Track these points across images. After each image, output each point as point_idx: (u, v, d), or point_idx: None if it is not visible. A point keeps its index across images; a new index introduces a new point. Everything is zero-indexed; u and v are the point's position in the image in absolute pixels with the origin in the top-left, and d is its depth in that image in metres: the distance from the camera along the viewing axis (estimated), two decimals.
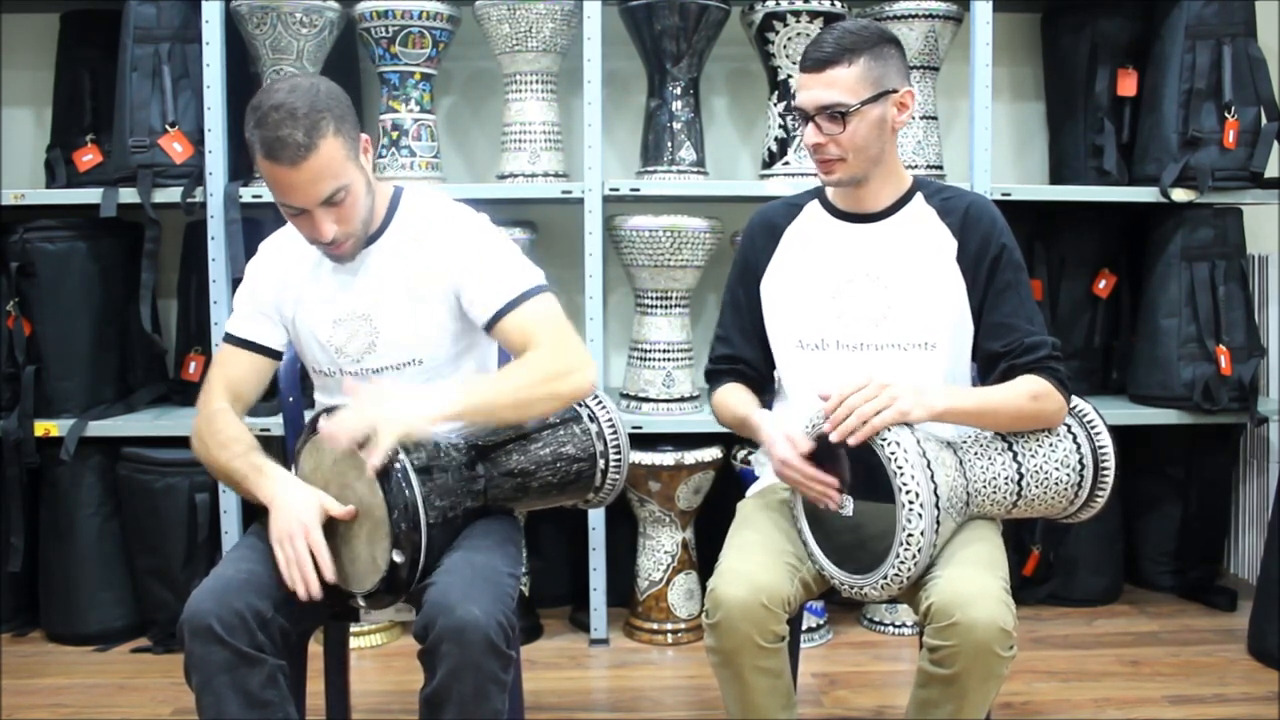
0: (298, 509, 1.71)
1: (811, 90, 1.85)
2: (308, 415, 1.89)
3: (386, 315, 1.89)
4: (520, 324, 1.84)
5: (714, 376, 2.09)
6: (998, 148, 3.24)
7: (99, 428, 2.91)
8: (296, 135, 1.69)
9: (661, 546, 2.97)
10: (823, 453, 1.78)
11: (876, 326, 1.91)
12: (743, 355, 2.05)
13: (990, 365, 1.89)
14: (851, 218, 1.97)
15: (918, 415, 1.73)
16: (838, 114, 1.84)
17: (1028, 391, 1.82)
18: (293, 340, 1.98)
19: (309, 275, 1.93)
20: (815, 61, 1.85)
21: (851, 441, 1.70)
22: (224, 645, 1.66)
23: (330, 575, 1.69)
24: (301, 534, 1.68)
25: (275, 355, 1.98)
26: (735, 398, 2.02)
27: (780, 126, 2.91)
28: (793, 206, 2.04)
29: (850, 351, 1.92)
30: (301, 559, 1.67)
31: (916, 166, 3.05)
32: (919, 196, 1.95)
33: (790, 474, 1.80)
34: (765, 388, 2.07)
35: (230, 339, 1.97)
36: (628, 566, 3.05)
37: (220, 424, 1.86)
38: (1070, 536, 3.15)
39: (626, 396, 3.03)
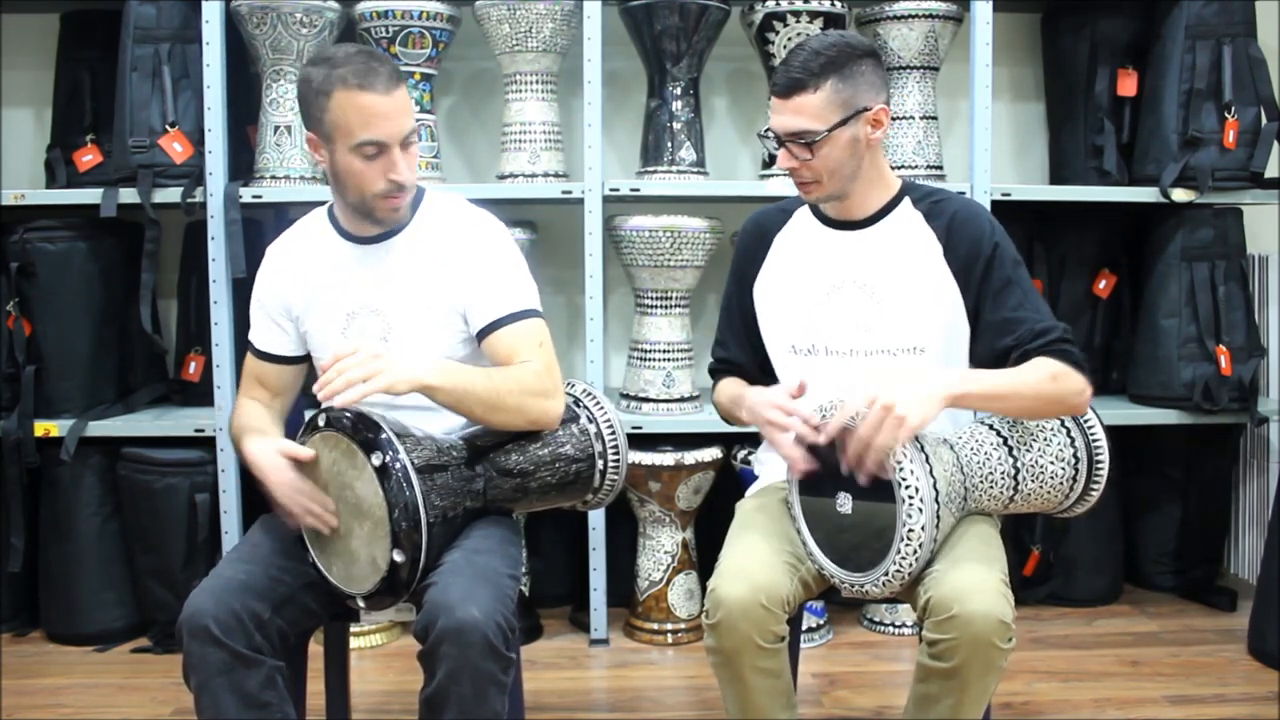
0: (266, 462, 1.80)
1: (781, 116, 1.84)
2: (307, 415, 1.89)
3: (399, 311, 1.90)
4: (513, 340, 1.88)
5: (714, 374, 2.15)
6: (998, 148, 3.24)
7: (99, 428, 2.91)
8: (386, 68, 1.79)
9: (661, 546, 2.97)
10: (822, 451, 1.78)
11: (865, 332, 1.91)
12: (736, 359, 2.09)
13: (1001, 361, 1.85)
14: (839, 225, 1.97)
15: (925, 416, 1.67)
16: (806, 141, 1.83)
17: (1047, 373, 1.78)
18: (303, 336, 1.99)
19: (323, 269, 1.94)
20: (782, 87, 1.83)
21: (863, 475, 1.68)
22: (221, 646, 1.67)
23: (307, 455, 1.78)
24: (291, 483, 1.78)
25: (301, 359, 2.03)
26: (731, 387, 2.06)
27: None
28: (783, 212, 2.05)
29: (840, 357, 1.93)
30: (298, 506, 1.77)
31: (916, 167, 3.05)
32: (906, 201, 1.95)
33: (775, 416, 1.80)
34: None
35: (252, 348, 2.03)
36: (628, 566, 3.05)
37: (241, 410, 2.01)
38: (1070, 536, 3.15)
39: (626, 396, 3.03)
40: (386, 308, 1.91)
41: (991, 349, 1.87)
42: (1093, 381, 1.84)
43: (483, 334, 1.89)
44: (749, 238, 2.07)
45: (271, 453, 1.80)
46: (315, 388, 1.71)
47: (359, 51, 1.81)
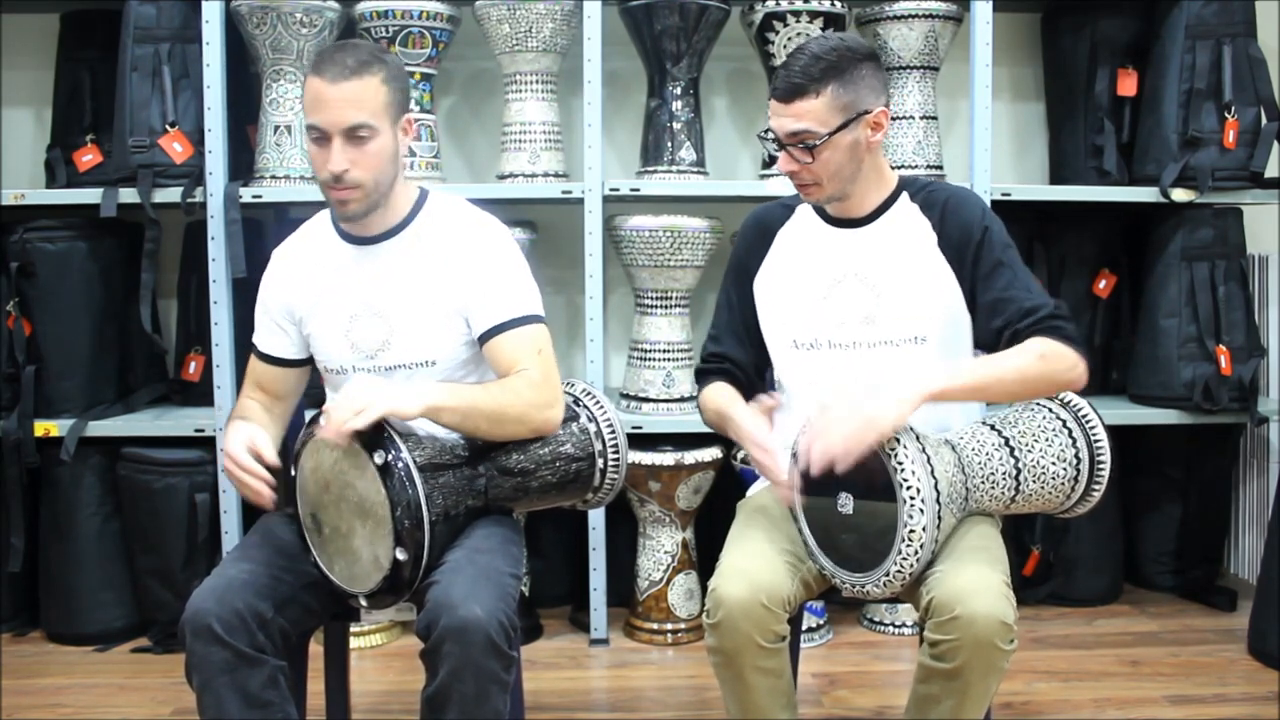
0: (229, 440, 1.82)
1: (781, 119, 1.84)
2: (308, 415, 1.89)
3: (402, 313, 1.90)
4: (513, 346, 1.88)
5: (703, 375, 2.10)
6: (998, 148, 3.24)
7: (99, 428, 2.91)
8: (348, 59, 1.80)
9: (661, 546, 2.97)
10: None
11: (866, 325, 1.91)
12: (731, 355, 2.06)
13: (995, 342, 1.85)
14: (840, 223, 1.97)
15: (900, 416, 1.68)
16: (807, 145, 1.83)
17: (1035, 352, 1.77)
18: (307, 338, 1.99)
19: (325, 271, 1.94)
20: (783, 92, 1.83)
21: (839, 470, 1.70)
22: (224, 645, 1.67)
23: (272, 458, 1.80)
24: (234, 454, 1.78)
25: (302, 363, 2.02)
26: (719, 395, 2.02)
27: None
28: (786, 209, 2.05)
29: (843, 350, 1.93)
30: (242, 472, 1.77)
31: (916, 167, 3.06)
32: (904, 195, 1.95)
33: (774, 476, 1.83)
34: (752, 389, 2.07)
35: (255, 351, 2.03)
36: (628, 566, 3.05)
37: (238, 406, 2.04)
38: (1070, 536, 3.15)
39: (626, 396, 3.03)
40: (388, 309, 1.90)
41: (985, 331, 1.88)
42: (1087, 356, 1.82)
43: (484, 339, 1.89)
44: (751, 233, 2.07)
45: (241, 431, 1.82)
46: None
47: (345, 43, 1.84)
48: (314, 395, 2.08)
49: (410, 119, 1.89)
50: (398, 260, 1.91)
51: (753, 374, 2.07)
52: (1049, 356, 1.78)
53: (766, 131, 1.88)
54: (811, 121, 1.81)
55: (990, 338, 1.87)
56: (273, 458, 1.81)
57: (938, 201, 1.92)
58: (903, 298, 1.90)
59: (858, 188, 1.91)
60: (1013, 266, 1.87)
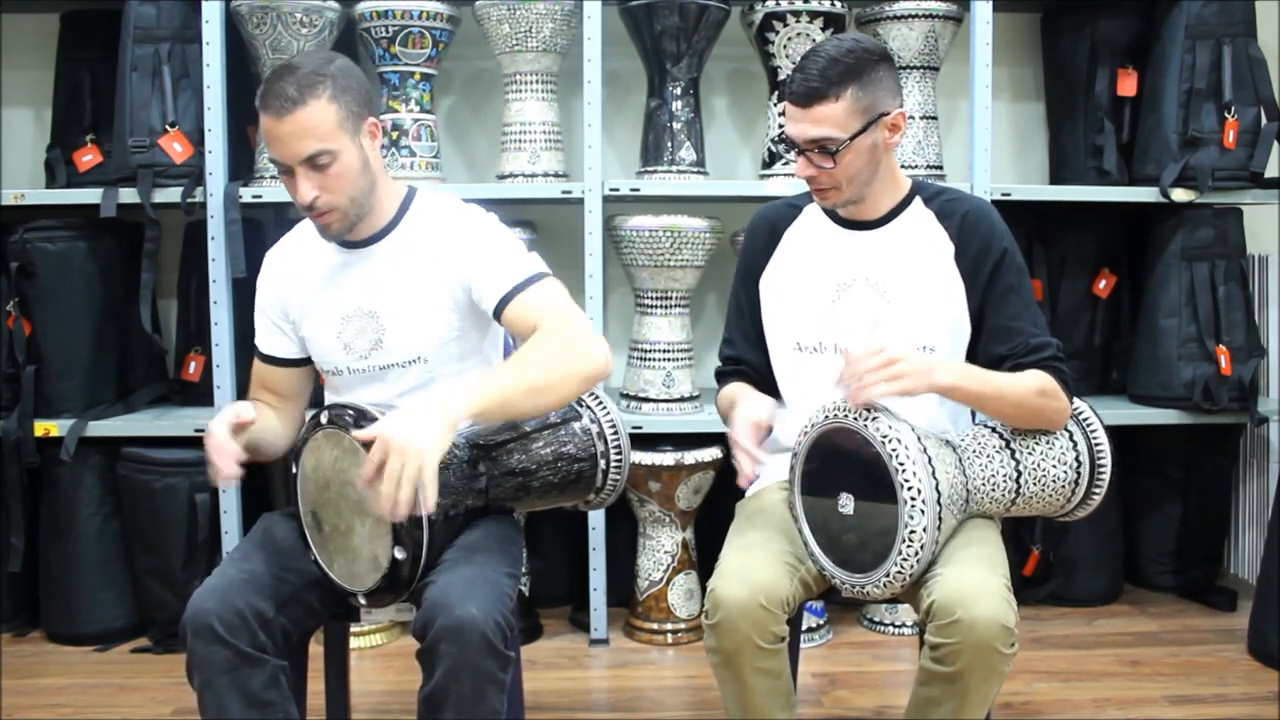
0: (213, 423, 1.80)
1: (799, 124, 1.82)
2: (308, 414, 1.89)
3: (392, 312, 1.90)
4: (527, 308, 1.81)
5: (721, 378, 2.10)
6: (998, 148, 3.24)
7: (99, 428, 2.91)
8: (288, 89, 1.75)
9: (661, 546, 2.97)
10: (824, 451, 1.78)
11: (874, 330, 1.90)
12: (745, 357, 2.06)
13: (992, 367, 1.87)
14: (850, 224, 1.96)
15: (918, 388, 1.71)
16: (828, 150, 1.81)
17: (1035, 386, 1.81)
18: (303, 340, 1.99)
19: (317, 274, 1.94)
20: (801, 96, 1.80)
21: (852, 404, 1.71)
22: (225, 645, 1.67)
23: (250, 416, 1.81)
24: (212, 428, 1.77)
25: (304, 362, 2.02)
26: (732, 392, 2.02)
27: (779, 133, 2.92)
28: (793, 208, 2.04)
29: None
30: (212, 449, 1.76)
31: (916, 167, 3.05)
32: (917, 200, 1.94)
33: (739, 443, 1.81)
34: (770, 389, 2.07)
35: (257, 352, 2.03)
36: (628, 566, 3.05)
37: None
38: (1070, 536, 3.15)
39: (626, 396, 3.03)
40: (379, 310, 1.90)
41: (985, 353, 1.89)
42: (1075, 391, 1.88)
43: (498, 311, 1.83)
44: (757, 232, 2.06)
45: (230, 407, 1.82)
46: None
47: (285, 69, 1.78)
48: (313, 396, 2.08)
49: (376, 122, 1.85)
50: (387, 262, 1.90)
51: (768, 374, 2.05)
52: (1047, 394, 1.82)
53: (781, 136, 1.87)
54: (832, 126, 1.79)
55: (987, 361, 1.88)
56: (251, 416, 1.81)
57: (956, 212, 1.91)
58: (914, 306, 1.89)
59: (873, 190, 1.90)
60: (1023, 295, 1.88)
